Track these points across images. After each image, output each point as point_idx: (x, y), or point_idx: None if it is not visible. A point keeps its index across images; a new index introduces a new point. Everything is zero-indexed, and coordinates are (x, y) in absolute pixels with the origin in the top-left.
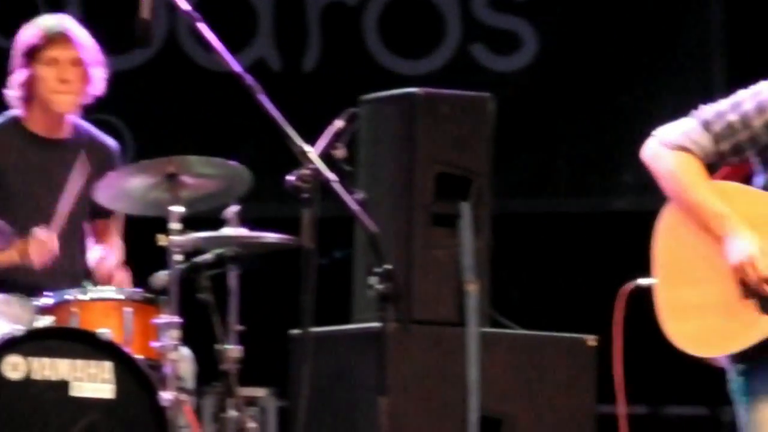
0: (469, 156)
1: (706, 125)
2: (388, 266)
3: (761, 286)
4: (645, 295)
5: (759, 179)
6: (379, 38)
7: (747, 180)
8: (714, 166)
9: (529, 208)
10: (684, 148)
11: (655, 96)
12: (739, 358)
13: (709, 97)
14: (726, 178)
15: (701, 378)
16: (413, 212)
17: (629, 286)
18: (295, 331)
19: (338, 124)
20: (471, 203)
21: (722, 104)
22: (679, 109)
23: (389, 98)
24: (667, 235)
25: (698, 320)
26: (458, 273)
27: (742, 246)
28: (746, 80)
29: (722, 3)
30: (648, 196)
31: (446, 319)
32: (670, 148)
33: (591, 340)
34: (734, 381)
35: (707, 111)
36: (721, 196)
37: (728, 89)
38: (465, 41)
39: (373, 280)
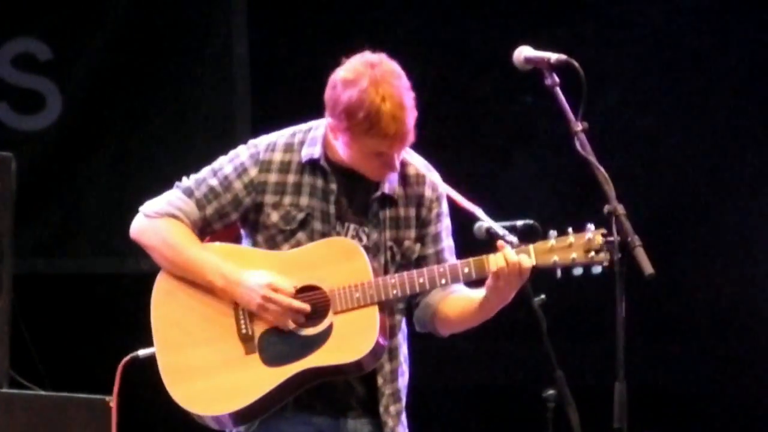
0: None
1: (189, 192)
2: None
3: (290, 307)
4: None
5: (244, 244)
6: None
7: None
8: (202, 234)
9: (54, 268)
10: (170, 215)
11: (180, 155)
12: (244, 418)
13: (234, 142)
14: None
15: None
16: None
17: (127, 358)
18: None
19: None
20: None
21: (203, 172)
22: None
23: None
24: (163, 302)
25: (202, 381)
26: None
27: (254, 281)
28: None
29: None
30: None
31: None
32: (156, 218)
33: (111, 400)
34: None
35: (188, 180)
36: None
37: (253, 134)
38: None
39: None
